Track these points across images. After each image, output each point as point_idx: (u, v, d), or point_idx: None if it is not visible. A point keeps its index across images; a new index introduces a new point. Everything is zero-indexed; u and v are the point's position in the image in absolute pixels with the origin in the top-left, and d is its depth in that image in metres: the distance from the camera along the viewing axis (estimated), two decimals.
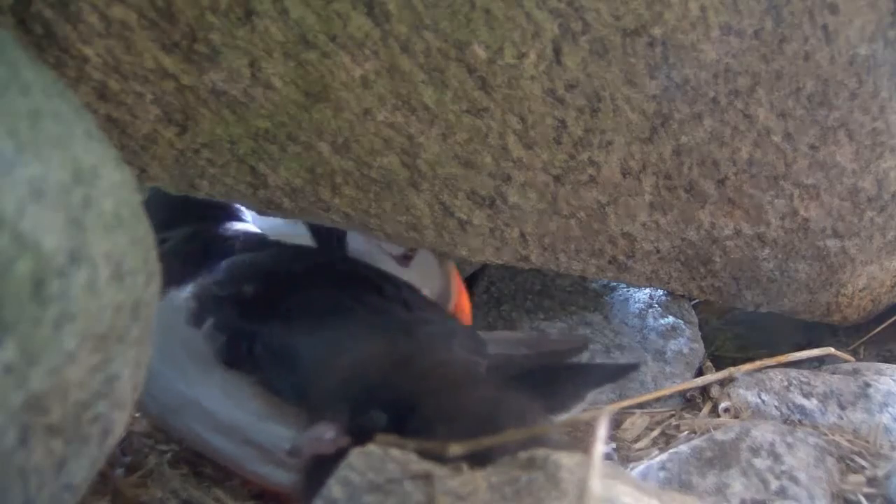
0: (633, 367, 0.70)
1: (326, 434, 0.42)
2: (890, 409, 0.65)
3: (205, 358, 0.50)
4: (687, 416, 0.69)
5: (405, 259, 0.68)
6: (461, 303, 0.68)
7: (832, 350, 0.80)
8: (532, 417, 0.42)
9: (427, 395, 0.43)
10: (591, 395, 0.52)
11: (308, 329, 0.49)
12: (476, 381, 0.48)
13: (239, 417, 0.49)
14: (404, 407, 0.41)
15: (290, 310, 0.51)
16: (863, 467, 0.58)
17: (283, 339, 0.49)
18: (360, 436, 0.38)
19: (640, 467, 0.58)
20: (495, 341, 0.57)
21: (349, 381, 0.46)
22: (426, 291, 0.65)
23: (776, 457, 0.56)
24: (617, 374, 0.63)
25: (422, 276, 0.67)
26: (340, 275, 0.58)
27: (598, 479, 0.29)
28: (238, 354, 0.49)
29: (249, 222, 0.71)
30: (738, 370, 0.74)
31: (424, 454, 0.36)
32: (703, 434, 0.63)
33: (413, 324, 0.52)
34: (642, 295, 0.86)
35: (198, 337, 0.51)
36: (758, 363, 0.76)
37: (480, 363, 0.50)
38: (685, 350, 0.79)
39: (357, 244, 0.68)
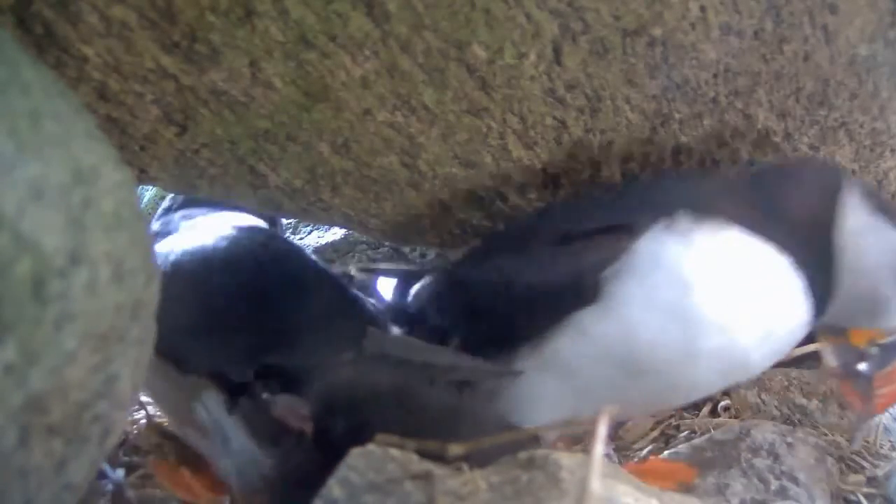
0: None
1: (299, 408, 0.45)
2: (890, 409, 0.65)
3: None
4: (687, 416, 0.69)
5: None
6: None
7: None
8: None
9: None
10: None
11: None
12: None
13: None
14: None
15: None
16: (863, 467, 0.58)
17: None
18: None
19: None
20: (409, 346, 0.55)
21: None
22: None
23: (776, 457, 0.56)
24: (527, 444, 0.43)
25: None
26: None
27: (598, 479, 0.29)
28: None
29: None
30: None
31: (424, 454, 0.36)
32: (703, 434, 0.63)
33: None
34: None
35: None
36: None
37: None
38: None
39: None
